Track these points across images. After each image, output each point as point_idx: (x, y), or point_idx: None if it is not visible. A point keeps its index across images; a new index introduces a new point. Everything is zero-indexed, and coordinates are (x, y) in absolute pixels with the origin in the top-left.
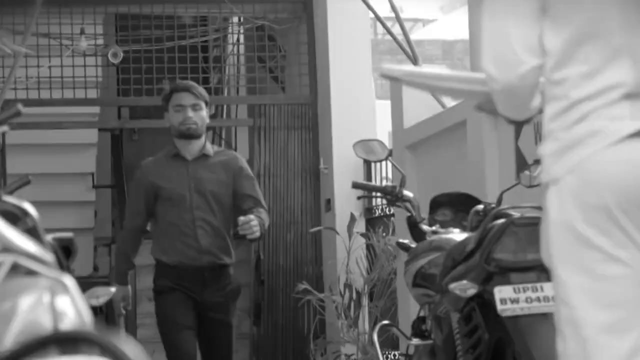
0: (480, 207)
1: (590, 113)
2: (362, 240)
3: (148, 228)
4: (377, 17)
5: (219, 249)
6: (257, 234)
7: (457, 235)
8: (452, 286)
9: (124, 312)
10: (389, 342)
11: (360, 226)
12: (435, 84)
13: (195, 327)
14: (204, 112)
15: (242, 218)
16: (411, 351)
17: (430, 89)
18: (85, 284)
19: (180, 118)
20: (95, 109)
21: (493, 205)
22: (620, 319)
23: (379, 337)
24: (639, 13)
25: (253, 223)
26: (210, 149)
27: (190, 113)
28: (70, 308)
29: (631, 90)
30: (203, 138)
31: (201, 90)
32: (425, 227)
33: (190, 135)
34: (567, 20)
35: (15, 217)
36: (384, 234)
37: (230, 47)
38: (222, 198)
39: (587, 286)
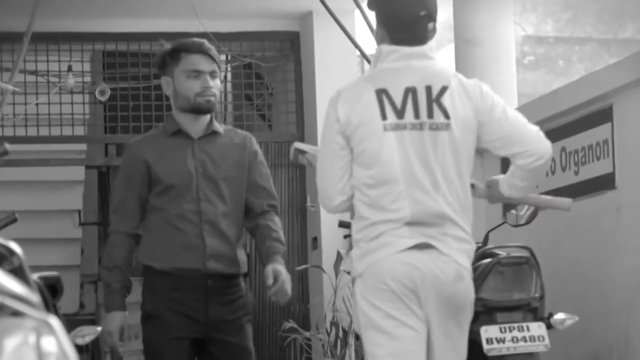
0: None
1: (382, 233)
2: (349, 278)
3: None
4: (364, 55)
5: (227, 254)
6: (289, 293)
7: None
8: None
9: (122, 345)
10: None
11: (347, 264)
12: None
13: None
14: (219, 81)
15: (270, 281)
16: None
17: None
18: (71, 322)
19: (197, 87)
20: (82, 146)
21: (479, 244)
22: None
23: None
24: (414, 174)
25: (287, 286)
26: (219, 125)
27: (210, 82)
28: (56, 349)
29: (410, 221)
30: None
31: (216, 52)
32: None
33: (207, 109)
34: (368, 171)
35: (1, 257)
36: None
37: None
38: (236, 186)
39: (387, 344)
